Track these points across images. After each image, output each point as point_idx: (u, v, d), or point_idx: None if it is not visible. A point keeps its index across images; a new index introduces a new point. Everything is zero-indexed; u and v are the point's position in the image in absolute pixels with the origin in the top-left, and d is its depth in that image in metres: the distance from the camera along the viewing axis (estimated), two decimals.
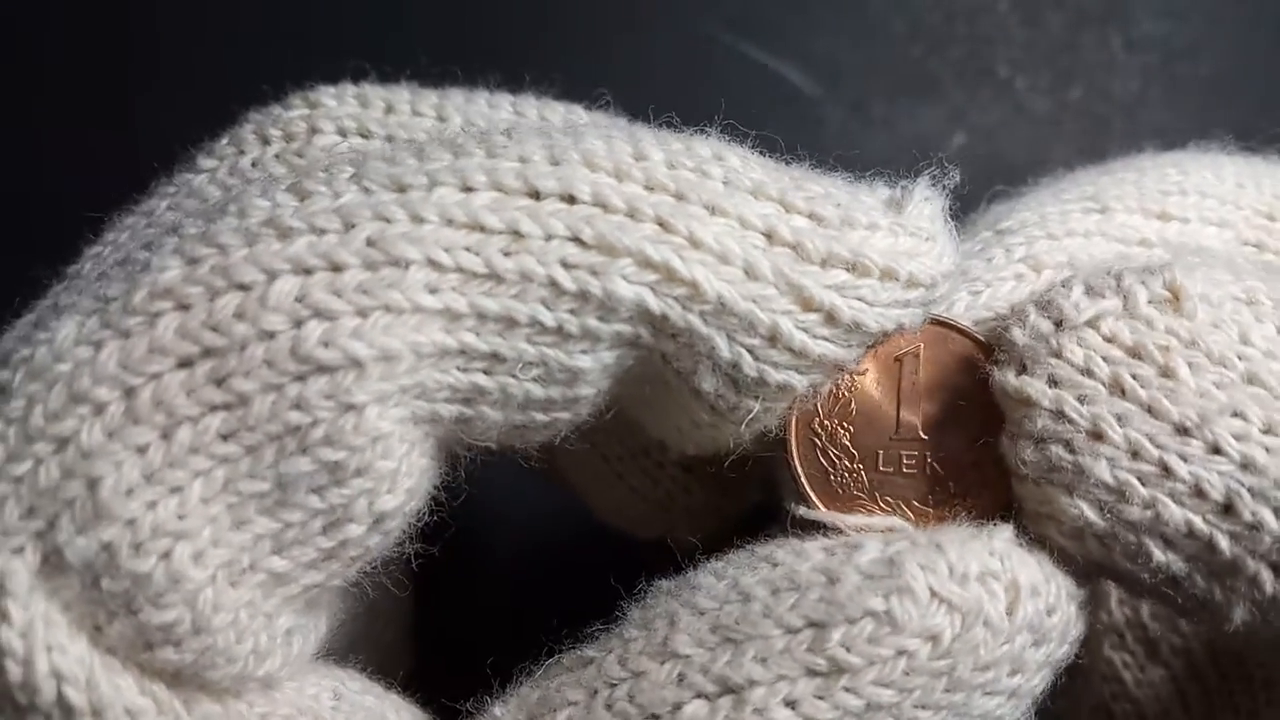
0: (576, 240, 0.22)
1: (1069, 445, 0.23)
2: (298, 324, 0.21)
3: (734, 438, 0.26)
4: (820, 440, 0.26)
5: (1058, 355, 0.24)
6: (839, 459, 0.26)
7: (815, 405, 0.25)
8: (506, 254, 0.22)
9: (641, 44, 0.49)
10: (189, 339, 0.21)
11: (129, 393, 0.21)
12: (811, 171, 0.25)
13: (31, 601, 0.21)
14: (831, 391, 0.25)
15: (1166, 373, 0.23)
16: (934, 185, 0.25)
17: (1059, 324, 0.24)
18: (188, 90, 0.46)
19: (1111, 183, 0.29)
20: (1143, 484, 0.23)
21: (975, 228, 0.29)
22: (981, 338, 0.26)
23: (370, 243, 0.21)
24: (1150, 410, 0.23)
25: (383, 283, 0.21)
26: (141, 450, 0.21)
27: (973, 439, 0.25)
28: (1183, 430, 0.23)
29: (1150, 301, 0.24)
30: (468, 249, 0.22)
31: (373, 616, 0.28)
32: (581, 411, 0.25)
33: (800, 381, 0.24)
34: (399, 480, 0.23)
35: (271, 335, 0.21)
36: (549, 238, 0.22)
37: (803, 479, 0.26)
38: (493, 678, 0.25)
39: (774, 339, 0.23)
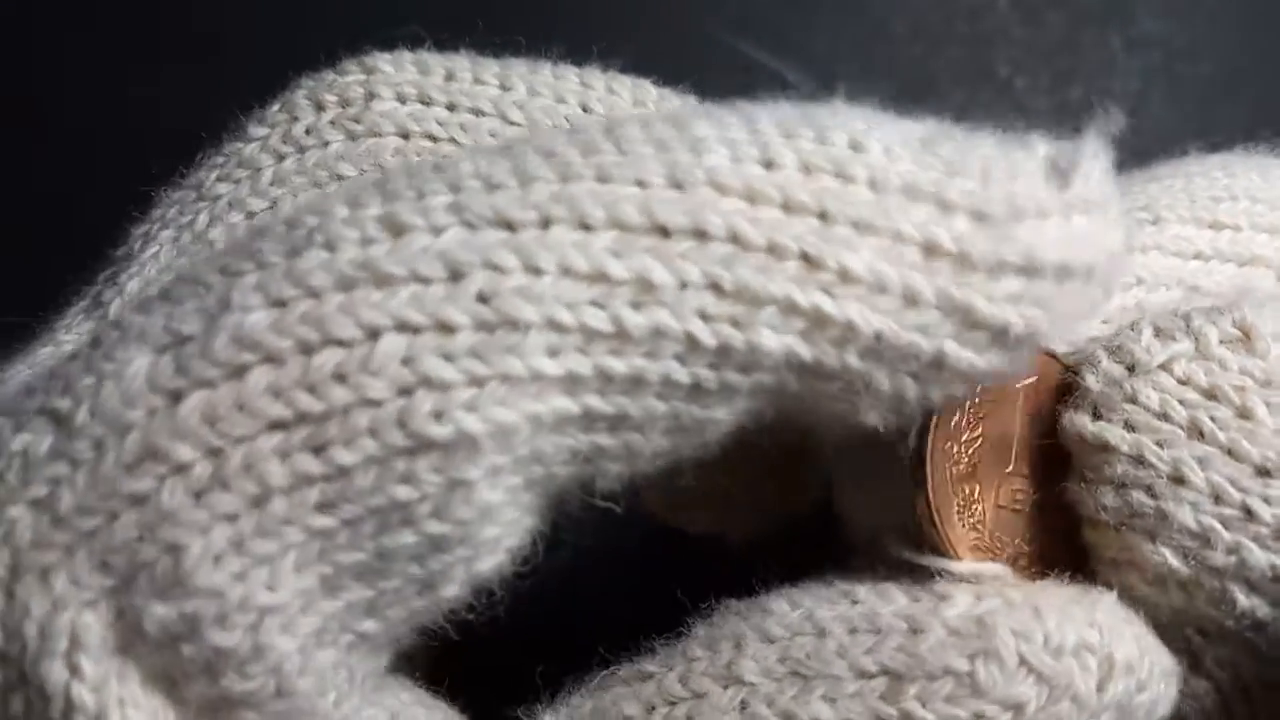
0: (714, 288, 0.19)
1: (1150, 490, 0.23)
2: (405, 393, 0.19)
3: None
4: (952, 462, 0.24)
5: (1133, 400, 0.23)
6: (965, 482, 0.24)
7: (950, 426, 0.24)
8: (636, 307, 0.19)
9: (641, 44, 0.49)
10: (282, 401, 0.19)
11: (214, 454, 0.19)
12: (955, 133, 0.21)
13: (104, 656, 0.19)
14: (965, 413, 0.24)
15: (1244, 413, 0.23)
16: (1099, 136, 0.22)
17: (1131, 369, 0.24)
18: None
19: (1161, 191, 0.28)
20: (1226, 528, 0.23)
21: None
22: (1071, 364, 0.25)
23: (482, 299, 0.19)
24: (1230, 452, 0.23)
25: (498, 348, 0.19)
26: (230, 519, 0.19)
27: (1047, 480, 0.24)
28: (1264, 472, 0.23)
29: (1222, 342, 0.23)
30: (592, 303, 0.19)
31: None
32: (708, 449, 0.23)
33: (976, 375, 0.22)
34: (501, 544, 0.21)
35: (376, 404, 0.19)
36: (683, 286, 0.19)
37: (930, 482, 0.24)
38: (542, 689, 0.25)
39: (940, 365, 0.21)
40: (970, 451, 0.25)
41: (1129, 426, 0.23)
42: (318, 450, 0.19)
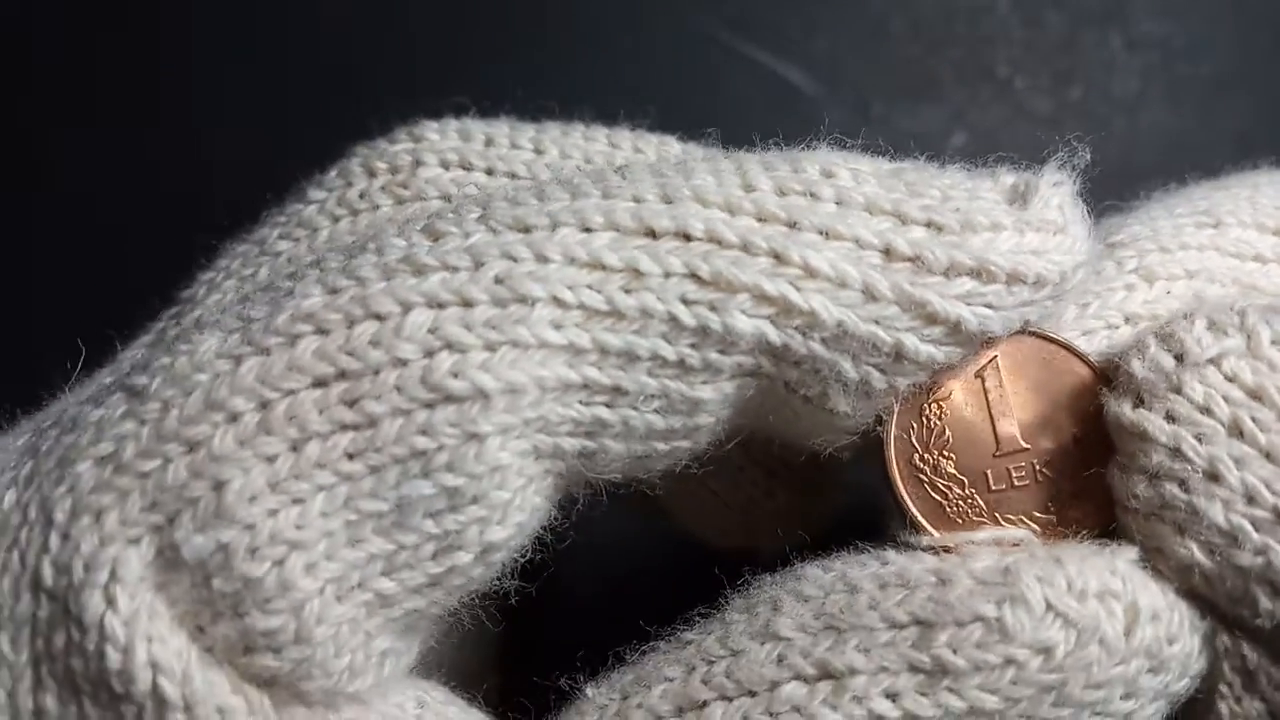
0: (694, 277, 0.23)
1: (1184, 484, 0.23)
2: (429, 354, 0.22)
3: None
4: (925, 474, 0.25)
5: (1178, 391, 0.23)
6: (949, 488, 0.25)
7: (911, 441, 0.25)
8: (627, 291, 0.22)
9: (641, 44, 0.49)
10: (326, 360, 0.22)
11: (264, 405, 0.22)
12: (928, 168, 0.24)
13: (139, 591, 0.21)
14: (923, 423, 0.25)
15: None
16: (1062, 167, 0.24)
17: (1180, 359, 0.24)
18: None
19: (1226, 197, 0.29)
20: (1256, 529, 0.23)
21: None
22: (1079, 349, 0.25)
23: (499, 280, 0.22)
24: (1268, 455, 0.23)
25: (510, 319, 0.22)
26: (270, 460, 0.22)
27: (1075, 443, 0.25)
28: None
29: (1274, 342, 0.23)
30: (590, 286, 0.22)
31: (460, 641, 0.28)
32: (702, 440, 0.25)
33: (936, 366, 0.24)
34: (511, 513, 0.23)
35: (404, 363, 0.22)
36: (667, 275, 0.23)
37: (913, 510, 0.25)
38: (581, 668, 0.25)
39: (900, 356, 0.23)
40: (935, 436, 0.25)
41: (1170, 417, 0.23)
42: (352, 403, 0.22)
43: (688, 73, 0.49)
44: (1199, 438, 0.23)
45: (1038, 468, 0.25)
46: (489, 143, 0.29)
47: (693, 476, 0.27)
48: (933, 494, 0.25)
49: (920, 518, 0.25)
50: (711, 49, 0.48)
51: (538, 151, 0.29)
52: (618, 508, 0.32)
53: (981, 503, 0.25)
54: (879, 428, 0.25)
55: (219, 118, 0.48)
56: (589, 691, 0.25)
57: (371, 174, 0.29)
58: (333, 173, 0.29)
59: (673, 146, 0.29)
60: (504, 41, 0.48)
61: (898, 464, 0.25)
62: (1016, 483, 0.25)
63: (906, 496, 0.25)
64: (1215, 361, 0.23)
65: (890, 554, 0.24)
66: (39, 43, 0.49)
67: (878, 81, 0.49)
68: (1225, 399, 0.23)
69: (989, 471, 0.25)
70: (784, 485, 0.33)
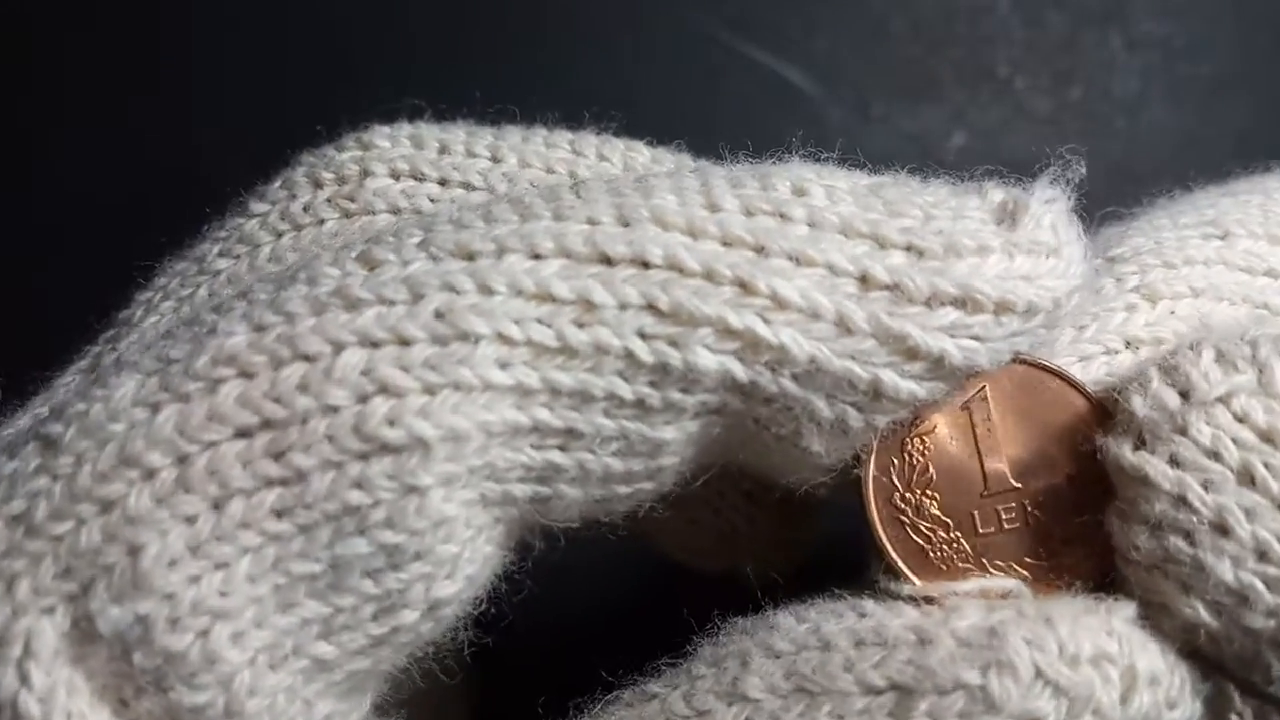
0: (652, 309, 0.21)
1: (1189, 537, 0.21)
2: (363, 399, 0.20)
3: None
4: (908, 516, 0.23)
5: (1183, 432, 0.21)
6: (933, 531, 0.23)
7: (892, 480, 0.23)
8: (580, 325, 0.21)
9: (641, 44, 0.49)
10: (249, 408, 0.20)
11: (182, 460, 0.20)
12: (910, 183, 0.23)
13: (55, 666, 0.20)
14: (905, 460, 0.23)
15: None
16: (1056, 181, 0.22)
17: (1185, 395, 0.22)
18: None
19: (1234, 205, 0.27)
20: (1269, 589, 0.21)
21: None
22: (1076, 380, 0.23)
23: (439, 315, 0.20)
24: None
25: (451, 358, 0.20)
26: (190, 520, 0.20)
27: (1070, 483, 0.23)
28: None
29: None
30: (539, 320, 0.21)
31: (421, 682, 0.27)
32: (666, 480, 0.23)
33: (917, 403, 0.22)
34: (460, 565, 0.21)
35: (335, 410, 0.20)
36: (623, 307, 0.21)
37: (894, 555, 0.23)
38: (544, 716, 0.24)
39: (878, 393, 0.21)
40: (918, 474, 0.24)
41: (1174, 462, 0.21)
42: (278, 455, 0.20)
43: (688, 73, 0.48)
44: (1206, 485, 0.21)
45: (1029, 509, 0.23)
46: (443, 150, 0.27)
47: (670, 505, 0.25)
48: (915, 537, 0.23)
49: (901, 564, 0.23)
50: (711, 49, 0.48)
51: (495, 159, 0.27)
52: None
53: (968, 547, 0.23)
54: (857, 466, 0.23)
55: (219, 117, 0.48)
56: None
57: (317, 185, 0.27)
58: (276, 184, 0.28)
59: (641, 154, 0.27)
60: (503, 42, 0.48)
61: (877, 505, 0.23)
62: (1006, 525, 0.23)
63: (886, 540, 0.24)
64: (1224, 400, 0.21)
65: (868, 604, 0.23)
66: (39, 42, 0.49)
67: (878, 81, 0.49)
68: (1235, 442, 0.21)
69: (976, 513, 0.23)
70: (765, 510, 0.31)
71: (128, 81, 0.48)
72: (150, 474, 0.20)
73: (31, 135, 0.48)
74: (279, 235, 0.27)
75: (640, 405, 0.21)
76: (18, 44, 0.49)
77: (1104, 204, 0.29)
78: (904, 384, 0.21)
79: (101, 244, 0.46)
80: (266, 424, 0.20)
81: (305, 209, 0.27)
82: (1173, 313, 0.25)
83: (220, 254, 0.27)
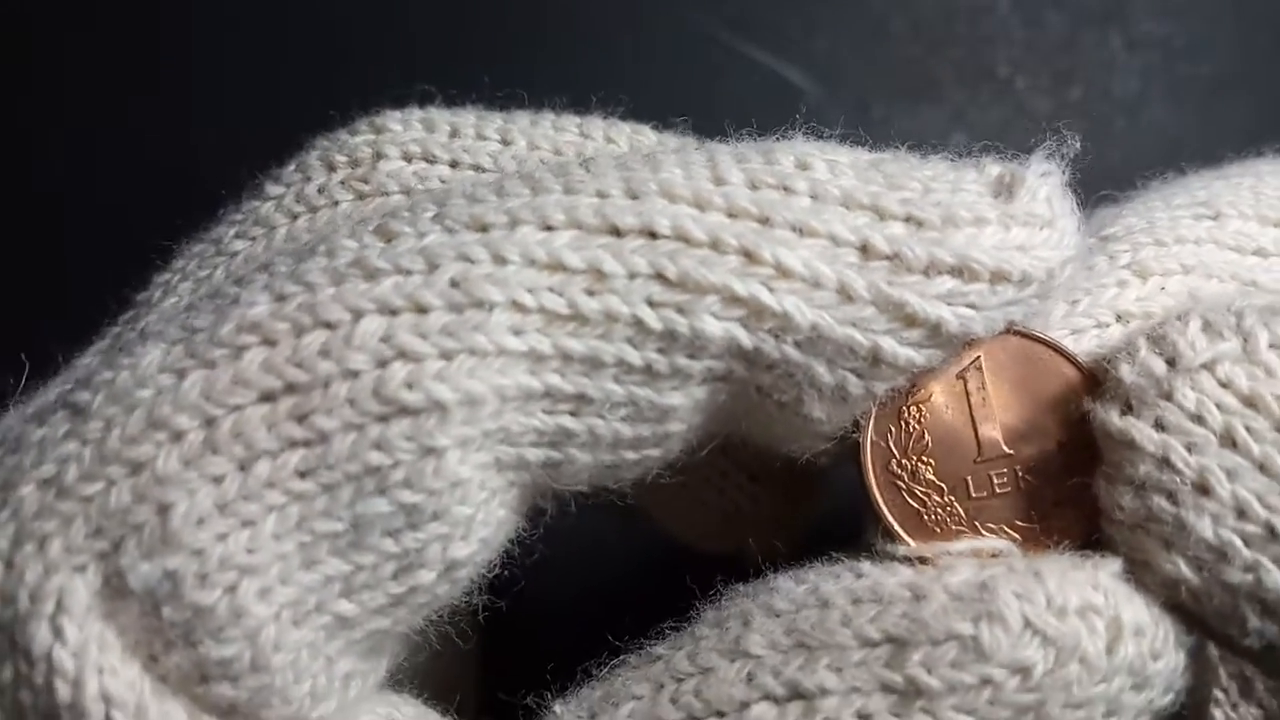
0: (660, 278, 0.21)
1: (1172, 496, 0.22)
2: (382, 364, 0.21)
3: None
4: (903, 481, 0.24)
5: (1168, 398, 0.22)
6: (928, 495, 0.24)
7: (889, 446, 0.24)
8: (590, 294, 0.21)
9: (641, 44, 0.49)
10: (273, 373, 0.21)
11: (209, 423, 0.21)
12: (910, 158, 0.23)
13: (88, 622, 0.20)
14: (902, 427, 0.24)
15: None
16: (1051, 158, 0.23)
17: (1172, 363, 0.22)
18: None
19: (1226, 187, 0.28)
20: (1246, 545, 0.22)
21: None
22: (1067, 350, 0.24)
23: (454, 284, 0.21)
24: (1261, 467, 0.22)
25: (467, 325, 0.21)
26: (217, 480, 0.21)
27: (1060, 449, 0.24)
28: None
29: (1272, 346, 0.22)
30: (551, 289, 0.21)
31: (433, 652, 0.28)
32: (673, 448, 0.24)
33: (915, 370, 0.23)
34: (474, 528, 0.22)
35: (355, 374, 0.21)
36: (632, 276, 0.21)
37: (889, 518, 0.24)
38: (552, 683, 0.25)
39: (877, 359, 0.22)
40: (914, 440, 0.24)
41: (1159, 425, 0.22)
42: (301, 418, 0.21)
43: (688, 73, 0.48)
44: (1189, 448, 0.22)
45: (1020, 474, 0.24)
46: (454, 133, 0.28)
47: (675, 483, 0.26)
48: (910, 501, 0.24)
49: (896, 526, 0.24)
50: (711, 49, 0.48)
51: (504, 143, 0.27)
52: (595, 509, 0.31)
53: (961, 511, 0.24)
54: (855, 432, 0.24)
55: (219, 117, 0.48)
56: (557, 709, 0.24)
57: (331, 168, 0.28)
58: (291, 167, 0.28)
59: (647, 136, 0.28)
60: (503, 41, 0.48)
61: (874, 470, 0.24)
62: (998, 490, 0.24)
63: (883, 504, 0.24)
64: (1209, 366, 0.22)
65: (865, 566, 0.23)
66: (39, 42, 0.49)
67: (878, 81, 0.49)
68: (1218, 406, 0.22)
69: (970, 478, 0.24)
70: (769, 490, 0.32)
71: (128, 81, 0.48)
72: (178, 436, 0.21)
73: (31, 135, 0.48)
74: (294, 217, 0.27)
75: (648, 371, 0.22)
76: (18, 44, 0.49)
77: (1098, 194, 0.29)
78: (903, 350, 0.22)
79: (101, 244, 0.46)
80: (290, 388, 0.21)
81: (319, 191, 0.27)
82: (1163, 289, 0.26)
83: (237, 236, 0.27)
